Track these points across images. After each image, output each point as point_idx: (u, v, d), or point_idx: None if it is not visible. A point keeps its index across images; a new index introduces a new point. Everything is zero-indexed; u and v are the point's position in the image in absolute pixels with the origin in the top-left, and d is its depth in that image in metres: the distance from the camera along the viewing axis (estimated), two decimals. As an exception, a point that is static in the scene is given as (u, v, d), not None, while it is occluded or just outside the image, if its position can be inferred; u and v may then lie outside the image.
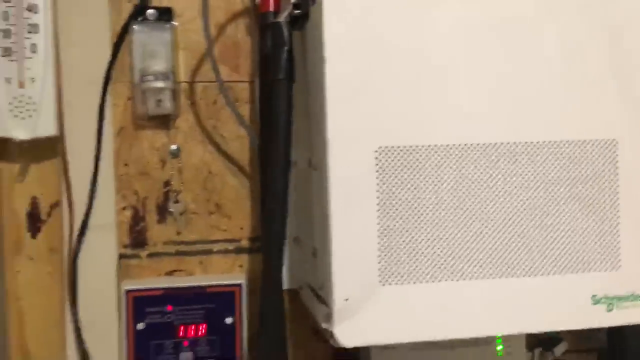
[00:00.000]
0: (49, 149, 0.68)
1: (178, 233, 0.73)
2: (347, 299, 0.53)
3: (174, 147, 0.73)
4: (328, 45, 0.53)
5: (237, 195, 0.74)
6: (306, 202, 0.65)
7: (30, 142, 0.66)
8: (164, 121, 0.72)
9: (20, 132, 0.64)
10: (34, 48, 0.63)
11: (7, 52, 0.63)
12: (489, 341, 0.74)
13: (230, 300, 0.71)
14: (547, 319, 0.56)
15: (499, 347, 0.74)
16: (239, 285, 0.71)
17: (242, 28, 0.74)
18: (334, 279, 0.53)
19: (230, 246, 0.75)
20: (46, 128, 0.65)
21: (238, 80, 0.73)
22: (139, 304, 0.69)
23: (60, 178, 0.70)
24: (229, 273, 0.74)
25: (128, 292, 0.69)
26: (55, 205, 0.70)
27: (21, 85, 0.63)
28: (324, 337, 0.76)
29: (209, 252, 0.74)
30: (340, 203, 0.53)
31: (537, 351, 0.78)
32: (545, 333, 0.78)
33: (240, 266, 0.75)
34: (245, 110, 0.74)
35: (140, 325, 0.69)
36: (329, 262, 0.53)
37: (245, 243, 0.75)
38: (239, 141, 0.74)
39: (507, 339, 0.73)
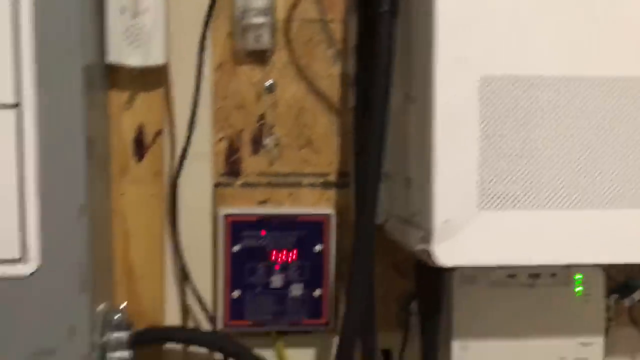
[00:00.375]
0: (155, 78, 0.73)
1: (270, 165, 0.77)
2: (446, 221, 0.56)
3: (269, 82, 0.76)
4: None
5: (326, 131, 0.77)
6: (398, 136, 0.68)
7: (139, 71, 0.70)
8: (260, 57, 0.75)
9: (133, 60, 0.68)
10: (147, -19, 0.67)
11: (123, -14, 0.67)
12: (569, 282, 0.76)
13: (319, 229, 0.74)
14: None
15: (578, 289, 0.76)
16: (329, 215, 0.75)
17: (337, -33, 0.76)
18: (435, 201, 0.56)
19: (319, 180, 0.78)
20: (156, 57, 0.69)
21: (332, 20, 0.76)
22: (235, 228, 0.73)
23: (164, 107, 0.74)
24: (316, 206, 0.77)
25: (226, 216, 0.73)
26: (159, 132, 0.74)
27: (135, 15, 0.67)
28: (404, 273, 0.80)
29: (299, 184, 0.77)
30: (444, 130, 0.56)
31: (613, 297, 0.80)
32: (624, 280, 0.80)
33: (328, 200, 0.78)
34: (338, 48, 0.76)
35: (236, 248, 0.73)
36: (430, 185, 0.56)
37: (333, 178, 0.78)
38: (330, 79, 0.77)
39: (586, 282, 0.74)
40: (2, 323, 0.58)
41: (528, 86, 0.56)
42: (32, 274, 0.58)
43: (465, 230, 0.56)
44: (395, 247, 0.77)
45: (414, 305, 0.79)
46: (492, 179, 0.56)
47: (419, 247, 0.58)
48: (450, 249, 0.56)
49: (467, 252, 0.56)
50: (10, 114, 0.56)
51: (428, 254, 0.57)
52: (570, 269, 0.77)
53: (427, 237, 0.57)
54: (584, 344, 0.77)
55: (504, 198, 0.56)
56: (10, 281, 0.58)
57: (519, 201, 0.57)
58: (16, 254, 0.58)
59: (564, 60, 0.56)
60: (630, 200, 0.58)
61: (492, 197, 0.56)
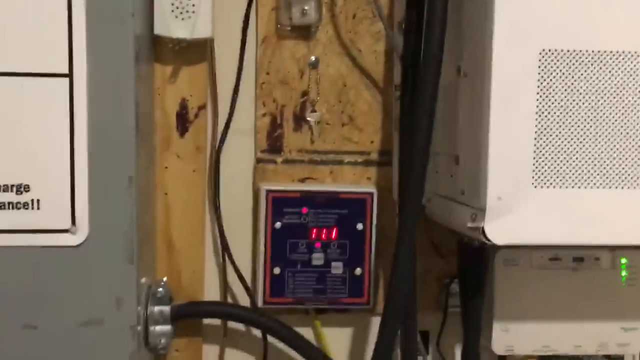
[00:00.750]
0: (199, 52, 0.72)
1: (312, 142, 0.76)
2: (500, 198, 0.55)
3: (313, 58, 0.75)
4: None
5: (369, 108, 0.77)
6: (445, 113, 0.67)
7: (184, 44, 0.69)
8: (305, 32, 0.75)
9: (180, 32, 0.67)
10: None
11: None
12: (613, 266, 0.75)
13: (361, 208, 0.73)
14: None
15: (623, 273, 0.75)
16: (371, 193, 0.74)
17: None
18: (489, 177, 0.55)
19: (360, 158, 0.77)
20: (203, 30, 0.68)
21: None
22: (277, 204, 0.73)
23: (207, 81, 0.74)
24: (357, 184, 0.77)
25: (268, 192, 0.73)
26: (202, 107, 0.73)
27: (183, -11, 0.67)
28: (444, 253, 0.79)
29: (340, 162, 0.77)
30: (500, 104, 0.54)
31: (656, 283, 0.79)
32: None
33: (369, 178, 0.77)
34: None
35: (278, 224, 0.73)
36: (484, 161, 0.55)
37: (374, 156, 0.77)
38: (374, 56, 0.76)
39: (631, 266, 0.73)
40: (51, 293, 0.58)
41: (588, 61, 0.55)
42: (81, 244, 0.59)
43: (519, 208, 0.55)
44: (435, 227, 0.77)
45: (453, 286, 0.79)
46: (548, 156, 0.55)
47: (469, 225, 0.57)
48: (502, 227, 0.55)
49: (520, 230, 0.55)
50: (63, 83, 0.56)
51: (479, 232, 0.56)
52: (615, 253, 0.76)
53: (478, 215, 0.56)
54: (626, 329, 0.76)
55: (559, 175, 0.55)
56: (59, 251, 0.58)
57: (574, 179, 0.56)
58: (66, 224, 0.58)
59: (627, 36, 0.55)
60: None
61: (547, 175, 0.55)
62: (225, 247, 0.75)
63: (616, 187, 0.56)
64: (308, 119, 0.76)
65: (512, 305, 0.74)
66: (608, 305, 0.75)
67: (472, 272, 0.72)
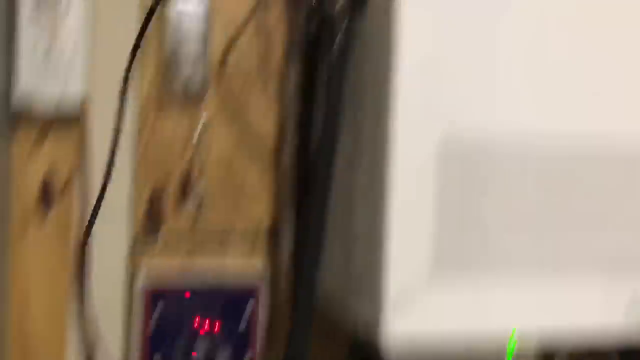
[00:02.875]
0: (70, 120, 0.62)
1: (196, 218, 0.69)
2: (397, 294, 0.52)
3: (199, 125, 0.68)
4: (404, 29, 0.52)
5: (260, 181, 0.70)
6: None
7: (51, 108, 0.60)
8: (190, 98, 0.67)
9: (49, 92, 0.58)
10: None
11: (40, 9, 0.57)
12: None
13: (247, 300, 0.67)
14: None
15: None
16: (258, 285, 0.68)
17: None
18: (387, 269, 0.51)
19: (250, 234, 0.70)
20: (75, 91, 0.59)
21: (269, 62, 0.69)
22: (155, 295, 0.64)
23: (77, 152, 0.64)
24: (248, 258, 0.69)
25: (144, 287, 0.64)
26: (71, 181, 0.63)
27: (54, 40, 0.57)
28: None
29: (227, 240, 0.70)
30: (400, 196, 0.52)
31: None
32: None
33: (258, 256, 0.71)
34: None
35: (156, 316, 0.64)
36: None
37: (263, 236, 0.71)
38: (265, 126, 0.70)
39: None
40: None
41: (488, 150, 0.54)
42: None
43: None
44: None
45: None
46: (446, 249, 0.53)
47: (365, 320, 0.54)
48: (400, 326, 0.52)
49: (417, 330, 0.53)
50: None
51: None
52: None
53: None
54: None
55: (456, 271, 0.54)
56: None
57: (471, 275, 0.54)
58: None
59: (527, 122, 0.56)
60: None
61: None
62: (93, 348, 0.64)
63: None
64: (192, 192, 0.68)
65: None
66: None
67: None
